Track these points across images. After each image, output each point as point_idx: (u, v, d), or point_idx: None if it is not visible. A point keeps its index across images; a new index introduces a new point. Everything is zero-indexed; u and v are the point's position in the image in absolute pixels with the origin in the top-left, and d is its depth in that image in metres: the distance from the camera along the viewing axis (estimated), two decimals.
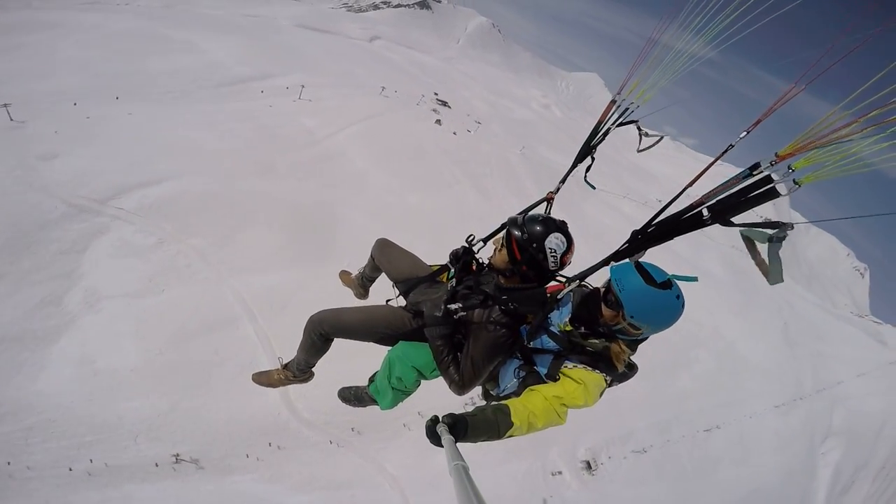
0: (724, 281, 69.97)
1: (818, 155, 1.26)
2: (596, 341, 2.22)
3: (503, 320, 2.47)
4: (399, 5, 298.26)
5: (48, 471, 12.01)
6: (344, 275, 4.33)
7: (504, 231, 2.57)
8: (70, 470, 12.27)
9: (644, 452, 31.02)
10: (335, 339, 2.91)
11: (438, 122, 45.32)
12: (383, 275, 3.48)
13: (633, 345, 2.22)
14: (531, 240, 2.44)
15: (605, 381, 2.21)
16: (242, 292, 17.18)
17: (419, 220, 26.75)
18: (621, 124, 2.48)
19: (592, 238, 43.50)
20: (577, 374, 2.16)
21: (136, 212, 18.54)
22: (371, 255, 3.44)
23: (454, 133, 45.13)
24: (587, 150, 2.61)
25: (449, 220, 28.76)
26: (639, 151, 2.58)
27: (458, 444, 1.71)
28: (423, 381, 2.82)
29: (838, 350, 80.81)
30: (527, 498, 21.41)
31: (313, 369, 3.36)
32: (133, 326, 14.90)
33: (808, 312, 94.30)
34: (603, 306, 2.13)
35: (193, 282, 16.62)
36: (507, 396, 2.59)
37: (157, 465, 13.16)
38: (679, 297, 1.97)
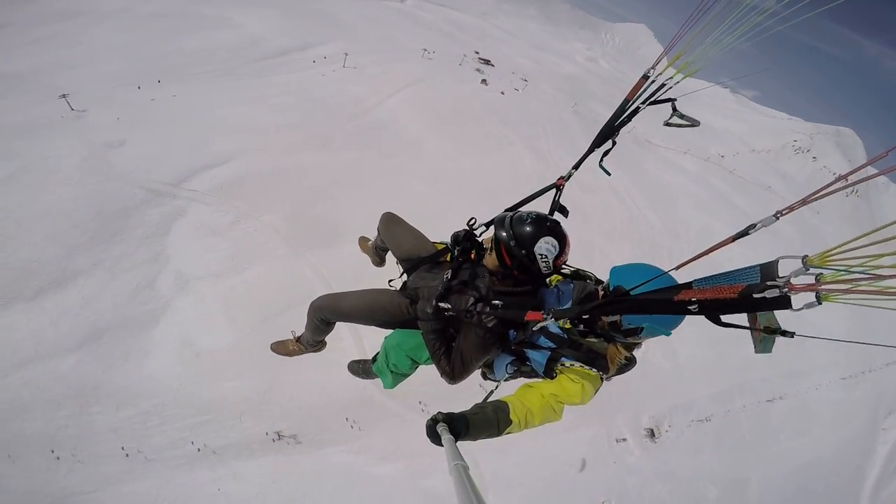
0: (794, 241, 66.24)
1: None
2: (594, 340, 2.27)
3: (490, 323, 2.49)
4: None
5: (167, 452, 12.75)
6: (362, 241, 4.64)
7: (491, 239, 2.52)
8: (188, 449, 13.02)
9: (706, 421, 30.13)
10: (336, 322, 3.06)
11: (484, 81, 44.01)
12: None
13: (630, 347, 2.24)
14: (520, 245, 2.41)
15: (602, 379, 2.30)
16: (320, 266, 17.46)
17: (476, 184, 26.30)
18: (653, 103, 2.23)
19: (654, 195, 41.71)
20: (575, 374, 2.23)
21: (210, 192, 18.99)
22: (378, 229, 3.54)
23: (502, 93, 43.77)
24: (609, 131, 2.38)
25: (505, 183, 28.25)
26: (665, 124, 2.37)
27: (459, 443, 1.77)
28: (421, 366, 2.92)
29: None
30: (591, 464, 21.87)
31: (324, 340, 3.68)
32: (223, 306, 15.46)
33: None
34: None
35: (272, 258, 17.03)
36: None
37: (260, 441, 13.85)
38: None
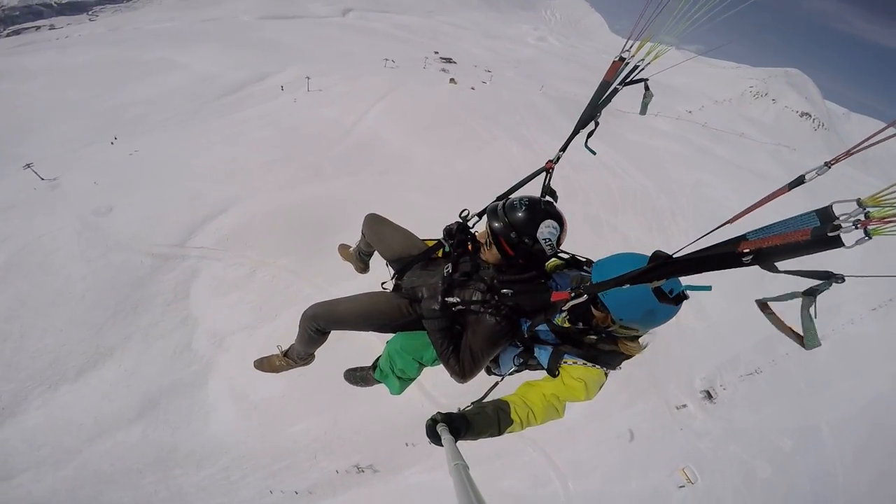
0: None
1: None
2: (595, 338, 2.22)
3: (502, 312, 2.44)
4: None
5: (257, 502, 13.22)
6: (343, 249, 4.38)
7: (487, 227, 2.46)
8: (277, 496, 13.63)
9: (757, 374, 31.52)
10: (331, 331, 2.93)
11: (453, 80, 44.32)
12: None
13: (635, 342, 2.21)
14: (521, 233, 2.36)
15: (605, 375, 2.22)
16: None
17: (474, 185, 26.56)
18: (629, 83, 2.31)
19: (641, 161, 42.74)
20: (577, 372, 2.19)
21: (218, 246, 18.89)
22: (362, 232, 3.39)
23: (472, 88, 44.18)
24: (591, 113, 2.44)
25: (502, 177, 28.26)
26: (641, 114, 2.50)
27: (461, 442, 1.78)
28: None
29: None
30: (660, 434, 22.79)
31: (314, 353, 3.48)
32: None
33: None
34: (592, 308, 2.12)
35: (299, 300, 17.01)
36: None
37: (342, 477, 14.29)
38: (672, 292, 1.81)
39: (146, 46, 56.33)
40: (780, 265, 1.31)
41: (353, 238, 4.20)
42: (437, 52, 62.31)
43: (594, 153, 2.72)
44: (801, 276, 1.37)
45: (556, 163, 2.69)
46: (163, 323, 16.07)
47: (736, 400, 28.83)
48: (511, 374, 2.75)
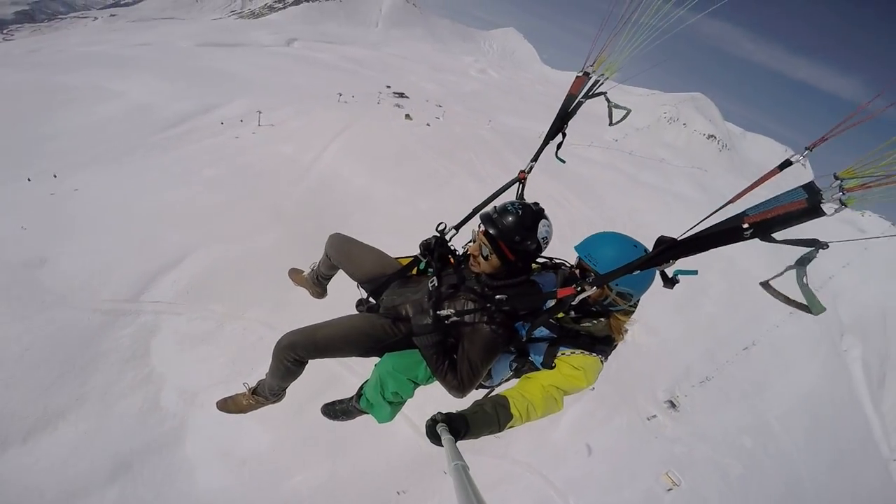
0: (699, 200, 76.52)
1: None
2: (589, 324, 2.27)
3: (498, 318, 2.43)
4: (299, 1, 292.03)
5: None
6: (294, 273, 4.03)
7: (483, 236, 2.43)
8: None
9: (708, 381, 35.57)
10: (310, 360, 2.76)
11: (408, 116, 45.02)
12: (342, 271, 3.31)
13: (628, 314, 2.30)
14: (524, 237, 2.37)
15: (602, 362, 2.26)
16: None
17: (437, 223, 26.85)
18: (590, 96, 2.49)
19: (583, 192, 45.15)
20: (575, 361, 2.21)
21: (176, 301, 17.87)
22: (325, 253, 3.26)
23: (427, 124, 45.12)
24: (559, 126, 2.59)
25: (464, 214, 29.42)
26: (610, 125, 2.65)
27: (463, 441, 1.81)
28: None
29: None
30: (637, 444, 24.48)
31: (286, 389, 3.26)
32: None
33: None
34: (586, 287, 2.13)
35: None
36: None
37: None
38: (647, 251, 2.00)
39: (73, 71, 52.38)
40: (776, 237, 1.49)
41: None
42: (389, 87, 63.18)
43: (563, 162, 2.79)
44: (794, 244, 1.52)
45: (528, 173, 2.72)
46: (122, 382, 15.13)
47: (696, 406, 32.20)
48: (508, 380, 2.70)
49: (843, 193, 1.29)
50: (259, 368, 15.50)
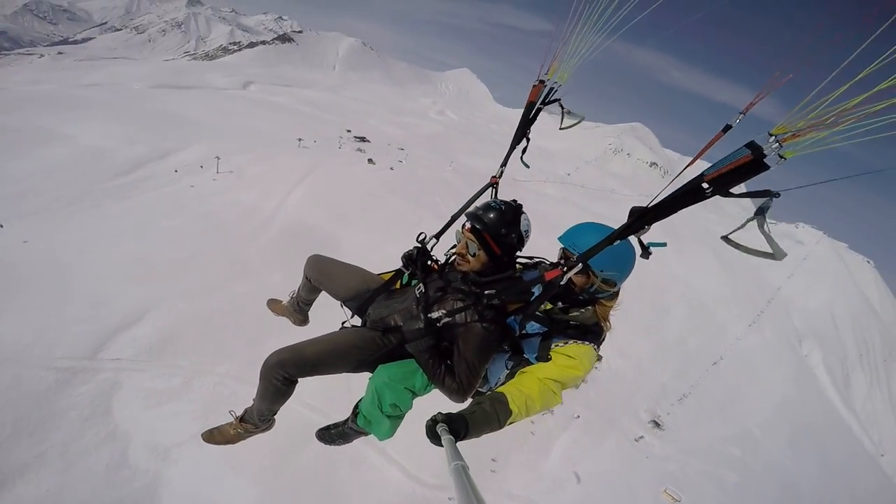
0: (651, 228, 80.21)
1: (818, 134, 1.47)
2: (578, 313, 2.35)
3: (490, 315, 2.46)
4: (255, 44, 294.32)
5: None
6: (273, 304, 3.92)
7: (470, 232, 2.52)
8: None
9: (685, 398, 37.98)
10: (301, 379, 2.68)
11: (371, 161, 45.55)
12: (323, 295, 3.29)
13: (613, 299, 2.41)
14: (508, 230, 2.49)
15: (595, 350, 2.32)
16: (306, 398, 16.48)
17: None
18: (546, 103, 2.67)
19: (545, 228, 46.63)
20: (568, 350, 2.26)
21: (139, 357, 17.19)
22: (305, 276, 3.19)
23: (391, 168, 45.69)
24: (522, 132, 2.76)
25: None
26: (561, 129, 2.80)
27: (464, 441, 1.87)
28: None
29: (764, 259, 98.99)
30: (631, 466, 25.42)
31: (275, 416, 3.13)
32: (225, 464, 14.83)
33: (721, 232, 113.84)
34: (572, 276, 2.25)
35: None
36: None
37: None
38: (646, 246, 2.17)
39: (16, 110, 49.61)
40: (733, 193, 1.64)
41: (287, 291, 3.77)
42: (349, 131, 63.85)
43: (528, 167, 2.93)
44: (749, 196, 1.67)
45: (499, 178, 2.86)
46: (84, 439, 14.49)
47: (679, 423, 34.01)
48: (503, 384, 2.58)
49: (780, 146, 1.49)
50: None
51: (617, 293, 2.38)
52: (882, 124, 1.30)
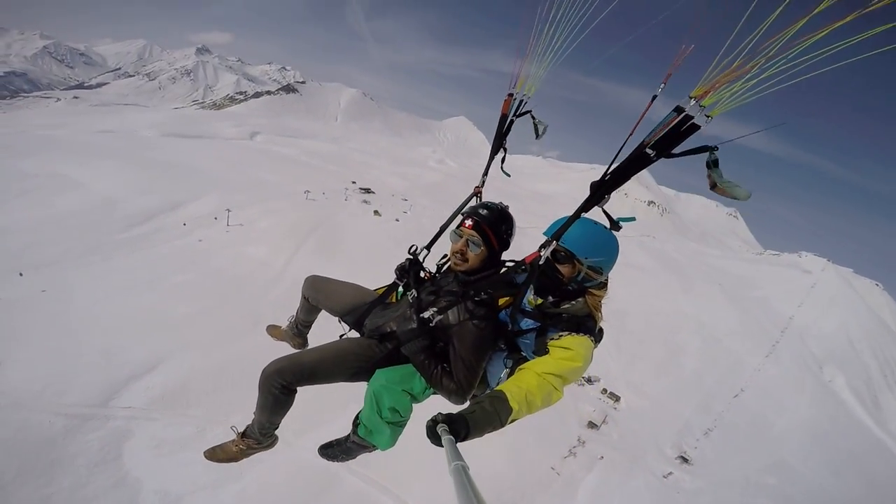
0: (656, 268, 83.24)
1: (726, 90, 1.60)
2: (569, 305, 2.37)
3: (481, 312, 2.50)
4: (260, 94, 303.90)
5: None
6: (273, 329, 3.95)
7: (472, 228, 2.55)
8: None
9: (710, 431, 38.73)
10: (299, 388, 2.68)
11: (376, 212, 46.89)
12: (320, 318, 3.39)
13: (602, 289, 2.44)
14: (508, 226, 2.62)
15: (591, 341, 2.32)
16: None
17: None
18: (519, 115, 2.80)
19: None
20: (564, 342, 2.26)
21: (151, 406, 17.68)
22: (303, 296, 3.25)
23: (397, 220, 46.99)
24: (499, 143, 2.89)
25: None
26: (537, 139, 2.88)
27: (467, 441, 1.88)
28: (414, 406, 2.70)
29: (771, 291, 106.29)
30: (661, 502, 25.94)
31: (277, 431, 3.09)
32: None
33: (726, 267, 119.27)
34: (558, 266, 2.32)
35: (264, 457, 15.94)
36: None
37: None
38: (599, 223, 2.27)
39: (32, 155, 51.23)
40: (675, 153, 1.80)
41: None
42: (354, 182, 65.71)
43: (508, 175, 3.10)
44: (690, 153, 1.80)
45: (482, 187, 2.99)
46: (92, 484, 14.72)
47: (707, 457, 34.44)
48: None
49: (702, 107, 1.63)
50: (248, 475, 15.39)
51: (605, 283, 2.45)
52: (783, 68, 1.45)
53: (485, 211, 2.57)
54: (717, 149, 1.74)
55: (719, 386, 48.71)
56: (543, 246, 2.23)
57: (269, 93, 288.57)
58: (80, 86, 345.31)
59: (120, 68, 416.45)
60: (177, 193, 46.15)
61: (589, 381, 40.92)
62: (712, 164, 1.76)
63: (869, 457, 48.67)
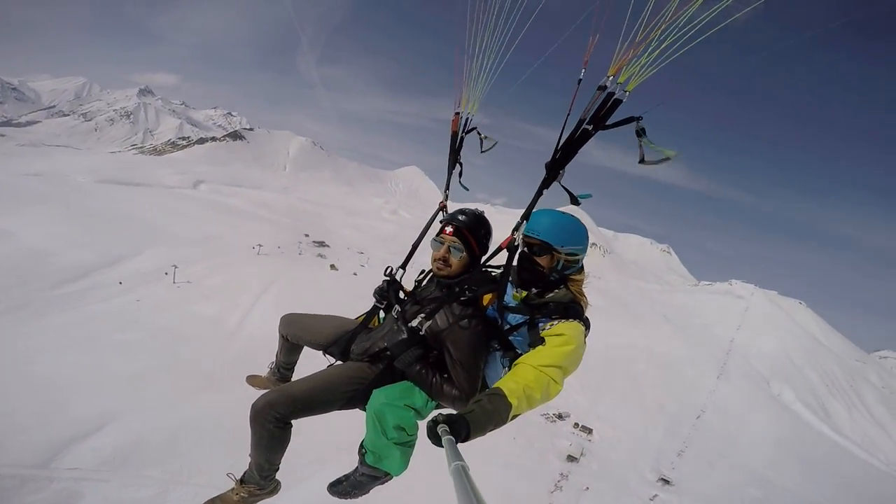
0: (606, 306, 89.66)
1: (636, 63, 1.80)
2: (552, 294, 2.44)
3: (468, 312, 2.52)
4: (205, 140, 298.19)
5: None
6: (253, 379, 3.74)
7: (453, 234, 2.63)
8: None
9: (683, 452, 41.44)
10: (294, 421, 2.58)
11: (333, 266, 46.91)
12: (302, 358, 3.33)
13: (580, 273, 2.57)
14: (486, 230, 2.71)
15: (581, 325, 2.38)
16: None
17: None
18: (467, 132, 2.97)
19: None
20: (557, 329, 2.32)
21: (101, 467, 16.77)
22: (282, 336, 3.18)
23: (355, 274, 47.01)
24: (454, 158, 3.04)
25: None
26: (482, 153, 3.04)
27: (468, 441, 1.90)
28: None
29: (710, 317, 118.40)
30: None
31: (278, 475, 2.93)
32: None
33: (667, 300, 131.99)
34: (536, 259, 2.42)
35: None
36: None
37: None
38: (575, 199, 2.39)
39: None
40: (609, 125, 2.00)
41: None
42: (307, 235, 65.45)
43: (467, 189, 3.17)
44: (621, 124, 2.01)
45: (446, 201, 3.08)
46: None
47: (687, 476, 36.53)
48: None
49: (619, 83, 1.87)
50: None
51: (582, 268, 2.58)
52: (680, 34, 1.68)
53: (463, 217, 2.66)
54: (642, 118, 1.95)
55: (681, 409, 51.66)
56: (515, 228, 2.36)
57: (214, 139, 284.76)
58: (8, 123, 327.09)
59: (54, 106, 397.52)
60: (116, 247, 44.15)
61: (560, 416, 43.25)
62: (641, 132, 1.96)
63: (836, 461, 53.26)
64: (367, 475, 2.64)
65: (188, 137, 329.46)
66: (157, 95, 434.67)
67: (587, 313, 2.49)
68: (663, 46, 1.73)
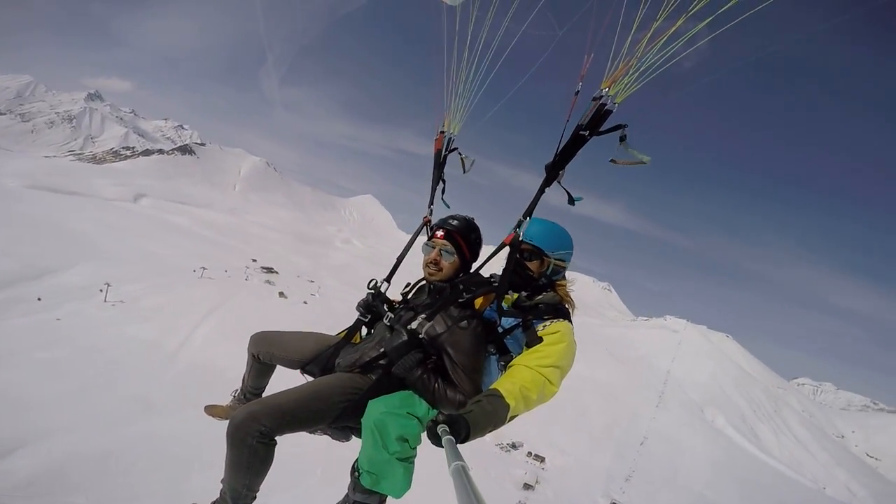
0: (585, 339, 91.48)
1: (625, 78, 1.98)
2: (541, 296, 2.55)
3: (466, 313, 2.51)
4: (151, 152, 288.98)
5: None
6: (212, 409, 3.30)
7: (444, 238, 2.65)
8: None
9: (631, 476, 44.69)
10: (278, 437, 2.31)
11: (282, 294, 45.78)
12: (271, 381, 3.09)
13: (564, 278, 2.72)
14: (477, 235, 2.76)
15: (571, 325, 2.50)
16: None
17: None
18: (449, 151, 3.11)
19: None
20: (553, 327, 2.40)
21: (15, 492, 15.37)
22: (252, 355, 2.93)
23: (305, 302, 46.00)
24: (439, 175, 3.14)
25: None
26: (464, 173, 3.14)
27: (468, 441, 1.90)
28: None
29: (648, 350, 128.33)
30: None
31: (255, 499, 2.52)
32: None
33: (608, 334, 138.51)
34: (527, 264, 2.56)
35: None
36: None
37: None
38: (572, 201, 2.49)
39: None
40: (602, 132, 2.15)
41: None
42: (255, 260, 63.79)
43: (448, 206, 3.16)
44: (611, 131, 2.16)
45: (430, 216, 3.08)
46: None
47: (636, 500, 39.50)
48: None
49: (610, 95, 2.05)
50: None
51: (565, 276, 2.74)
52: (663, 52, 1.89)
53: (454, 221, 2.71)
54: (627, 126, 2.13)
55: (626, 436, 55.14)
56: (517, 226, 2.42)
57: (161, 152, 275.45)
58: None
59: None
60: (42, 258, 41.49)
61: (514, 446, 45.80)
62: (623, 138, 2.13)
63: (768, 481, 58.57)
64: (361, 502, 2.37)
65: (133, 148, 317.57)
66: (105, 101, 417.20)
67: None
68: (641, 69, 1.97)
